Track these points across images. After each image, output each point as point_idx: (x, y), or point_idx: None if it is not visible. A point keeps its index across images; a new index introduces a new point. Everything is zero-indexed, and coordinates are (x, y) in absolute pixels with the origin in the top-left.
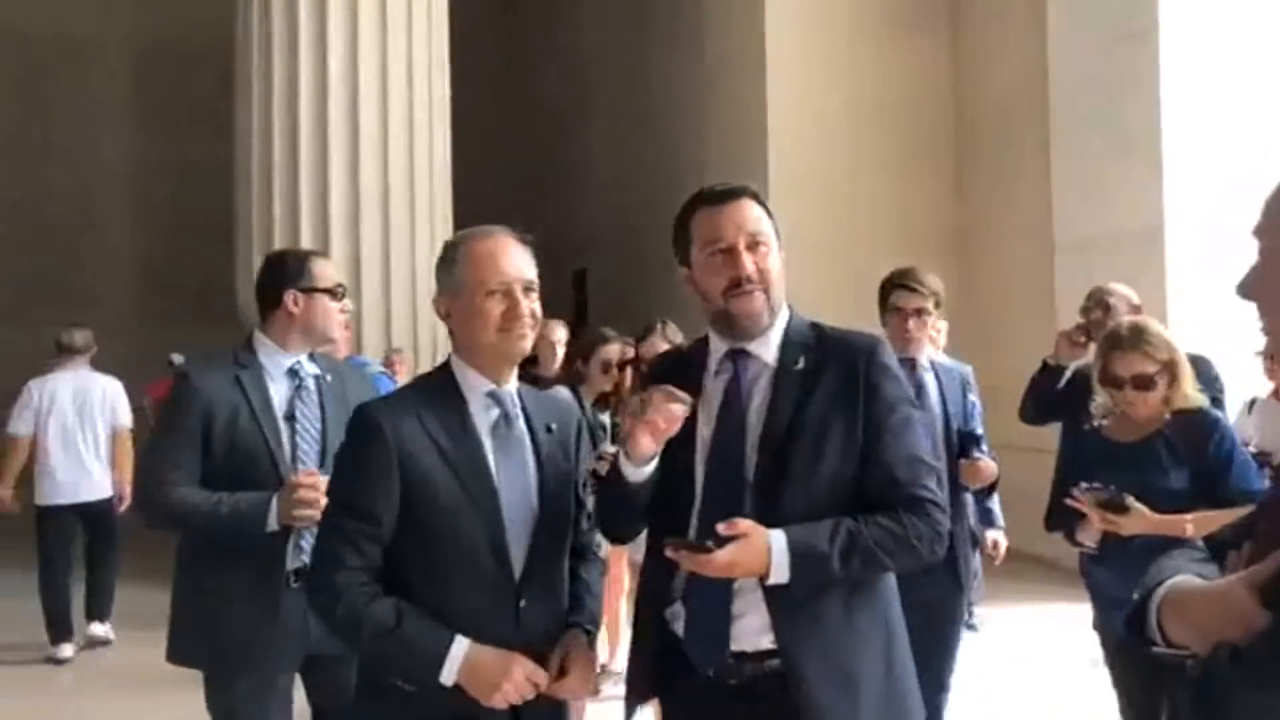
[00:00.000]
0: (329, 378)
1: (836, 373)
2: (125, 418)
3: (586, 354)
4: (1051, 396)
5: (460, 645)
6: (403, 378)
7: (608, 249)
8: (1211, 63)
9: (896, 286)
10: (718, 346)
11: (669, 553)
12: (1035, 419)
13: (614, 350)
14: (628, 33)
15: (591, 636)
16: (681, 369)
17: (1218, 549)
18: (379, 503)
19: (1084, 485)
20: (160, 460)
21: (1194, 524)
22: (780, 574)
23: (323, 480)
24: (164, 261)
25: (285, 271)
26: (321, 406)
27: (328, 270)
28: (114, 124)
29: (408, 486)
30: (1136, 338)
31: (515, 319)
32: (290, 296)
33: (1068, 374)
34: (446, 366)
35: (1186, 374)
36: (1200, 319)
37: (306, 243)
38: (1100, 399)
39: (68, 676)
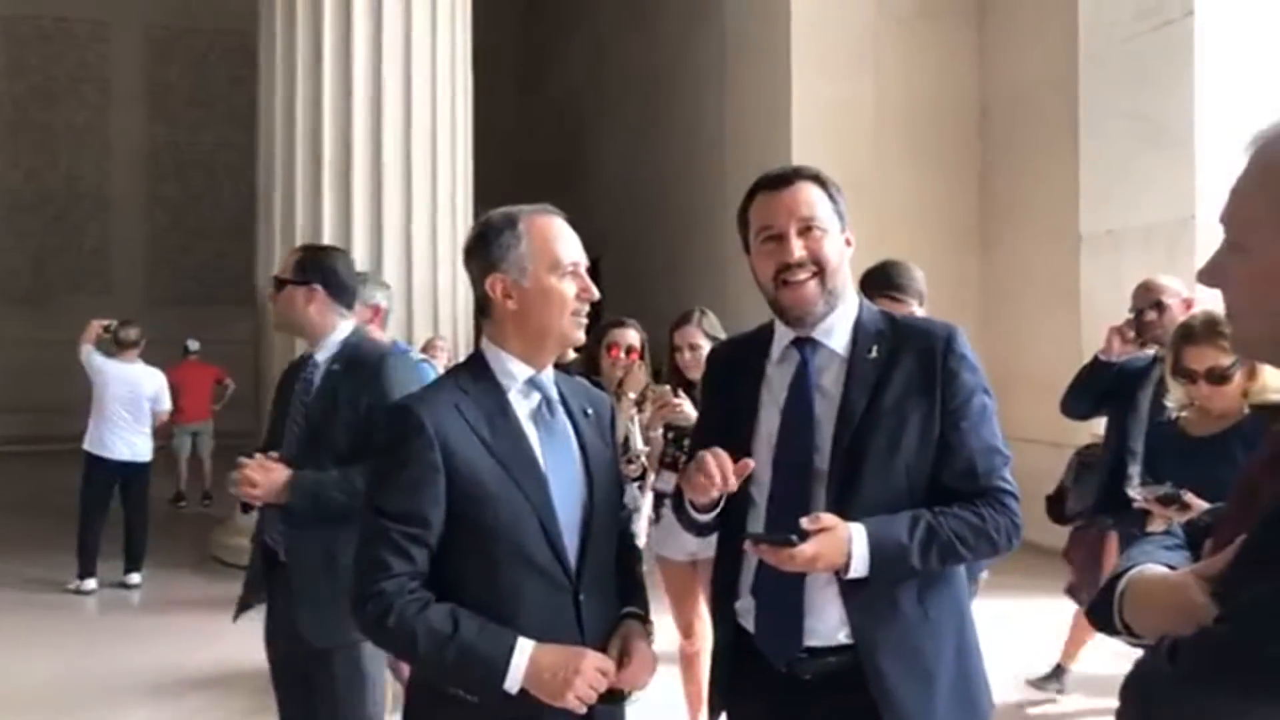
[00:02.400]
0: (336, 367)
1: (913, 360)
2: (165, 404)
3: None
4: (1101, 391)
5: (524, 649)
6: (441, 364)
7: (623, 241)
8: (1246, 50)
9: (880, 295)
10: (783, 334)
11: (748, 547)
12: (1082, 414)
13: (618, 334)
14: (645, 23)
15: (647, 625)
16: (743, 355)
17: (1196, 535)
18: (426, 503)
19: (1137, 484)
20: None
21: None
22: (860, 568)
23: (277, 469)
24: (176, 246)
25: None
26: (315, 396)
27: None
28: (124, 109)
29: (454, 483)
30: (1210, 330)
31: (587, 301)
32: None
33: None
34: (479, 355)
35: (1265, 366)
36: None
37: (328, 237)
38: (1175, 393)
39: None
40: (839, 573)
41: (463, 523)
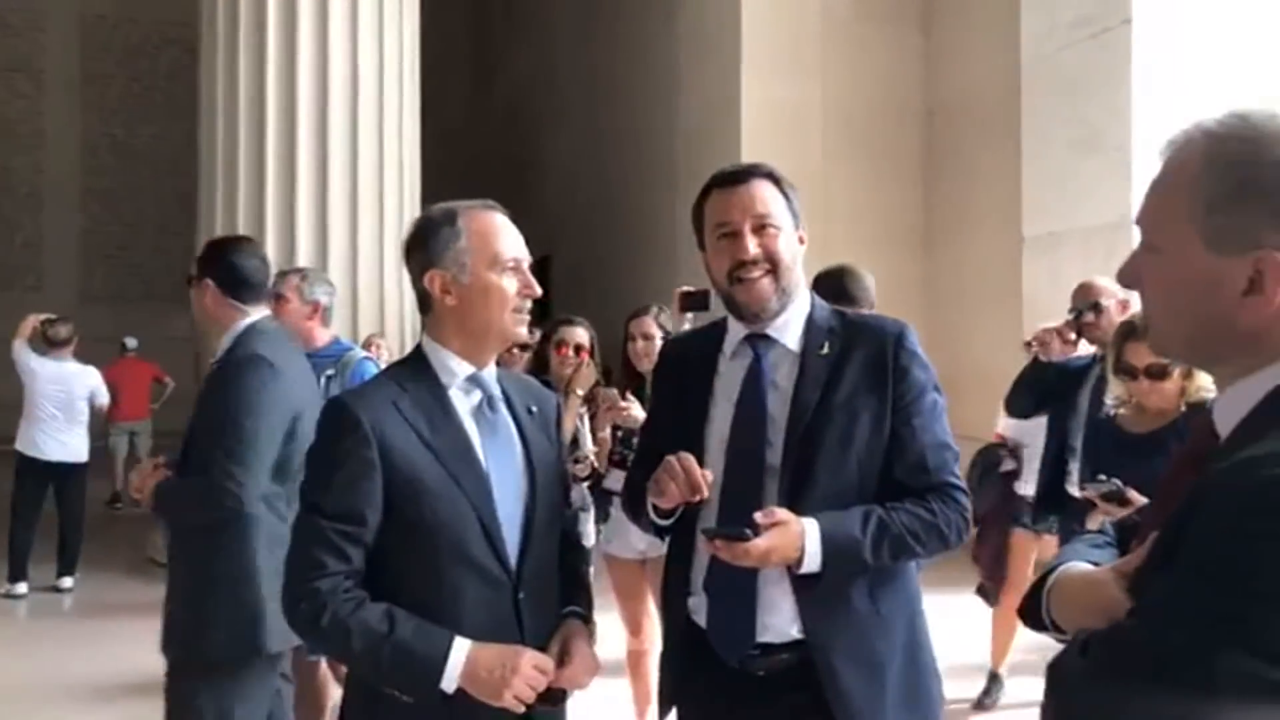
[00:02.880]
0: (215, 368)
1: (864, 357)
2: (103, 398)
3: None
4: (1042, 390)
5: (461, 647)
6: (383, 362)
7: (575, 240)
8: (1182, 59)
9: (833, 304)
10: (735, 330)
11: (702, 543)
12: (1025, 412)
13: (567, 332)
14: (598, 23)
15: (589, 625)
16: (696, 351)
17: (1125, 534)
18: (362, 501)
19: (1077, 479)
20: None
21: None
22: (813, 563)
23: (155, 475)
24: (113, 242)
25: None
26: (198, 398)
27: None
28: (58, 100)
29: (391, 480)
30: None
31: (530, 297)
32: None
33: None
34: (419, 352)
35: None
36: None
37: (272, 233)
38: (1114, 389)
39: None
40: (791, 568)
41: (401, 521)
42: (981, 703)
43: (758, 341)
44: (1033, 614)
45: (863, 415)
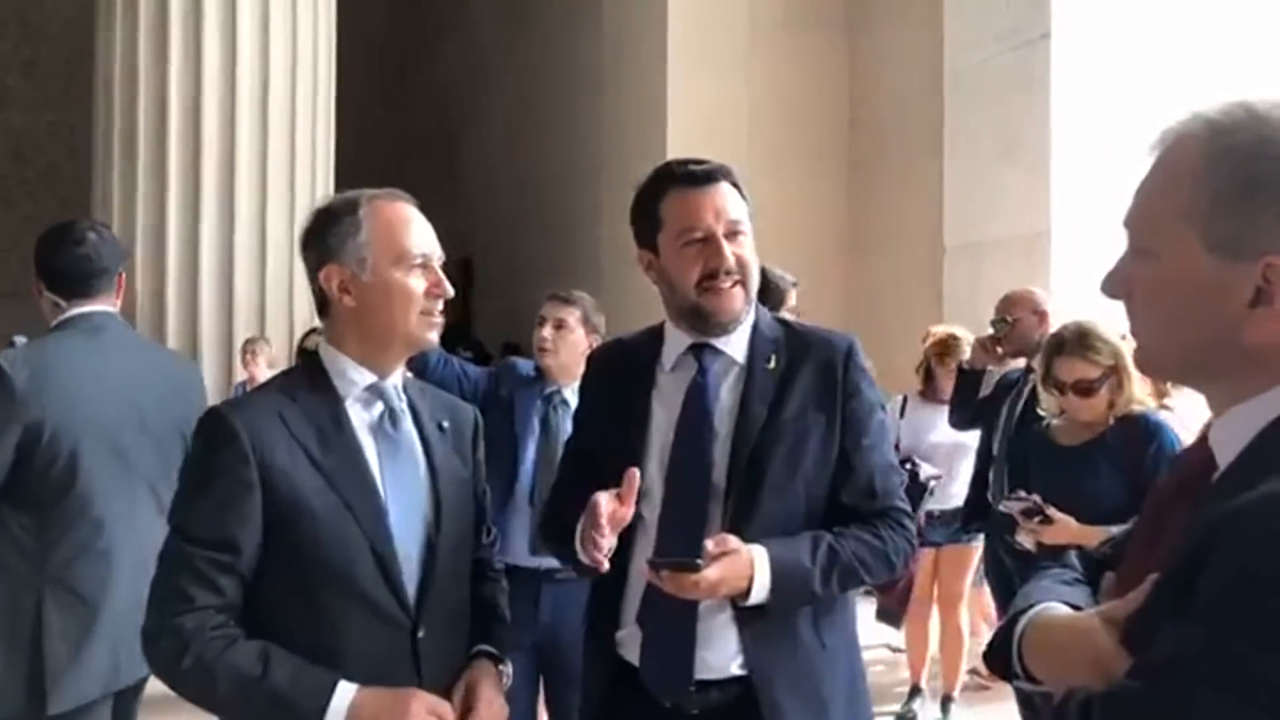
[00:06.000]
0: None
1: (813, 372)
2: None
3: None
4: (975, 401)
5: (345, 693)
6: (258, 371)
7: (497, 240)
8: (1102, 70)
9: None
10: (677, 339)
11: (647, 574)
12: (963, 425)
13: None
14: (523, 20)
15: (501, 666)
16: (631, 359)
17: (1095, 568)
18: (235, 526)
19: (1006, 491)
20: None
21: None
22: (761, 593)
23: None
24: (8, 236)
25: None
26: None
27: None
28: None
29: (273, 503)
30: (1080, 343)
31: (440, 297)
32: None
33: (994, 379)
34: (315, 359)
35: (1133, 378)
36: None
37: (174, 229)
38: (1047, 401)
39: None
40: (737, 599)
41: (282, 549)
42: (903, 718)
43: (702, 352)
44: (1001, 661)
45: (812, 434)
